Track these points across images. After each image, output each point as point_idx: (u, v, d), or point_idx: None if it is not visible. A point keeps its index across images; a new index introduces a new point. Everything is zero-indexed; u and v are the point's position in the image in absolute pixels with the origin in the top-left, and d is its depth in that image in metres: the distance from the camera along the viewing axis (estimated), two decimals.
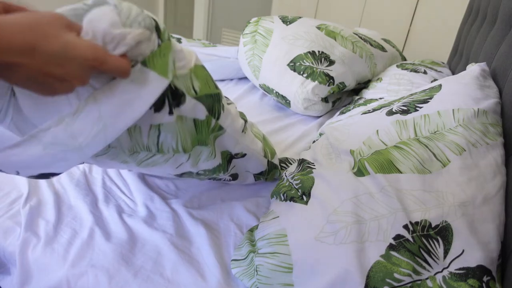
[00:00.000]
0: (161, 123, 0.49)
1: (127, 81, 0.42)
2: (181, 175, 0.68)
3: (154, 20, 0.45)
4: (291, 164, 0.87)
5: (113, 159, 0.52)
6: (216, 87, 0.61)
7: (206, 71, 0.59)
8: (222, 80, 1.49)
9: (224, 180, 0.75)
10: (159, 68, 0.44)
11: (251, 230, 0.66)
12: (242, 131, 0.68)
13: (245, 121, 0.72)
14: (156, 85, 0.44)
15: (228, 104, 0.67)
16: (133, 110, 0.43)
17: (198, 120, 0.56)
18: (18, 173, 0.43)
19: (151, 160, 0.55)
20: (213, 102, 0.58)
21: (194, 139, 0.57)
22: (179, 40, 1.58)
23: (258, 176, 0.78)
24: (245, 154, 0.71)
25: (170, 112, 0.49)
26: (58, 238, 0.64)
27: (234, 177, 0.74)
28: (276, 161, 0.81)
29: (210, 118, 0.58)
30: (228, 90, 1.39)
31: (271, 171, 0.79)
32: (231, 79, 1.50)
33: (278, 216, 0.62)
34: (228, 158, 0.69)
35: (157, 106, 0.47)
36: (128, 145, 0.50)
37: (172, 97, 0.49)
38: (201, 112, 0.56)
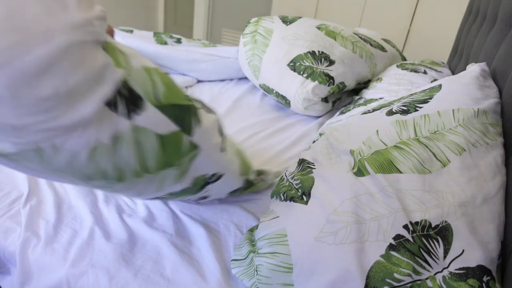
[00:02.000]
0: (120, 135, 0.42)
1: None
2: (145, 199, 0.62)
3: None
4: (267, 176, 0.83)
5: (63, 178, 0.45)
6: (189, 99, 0.52)
7: (172, 80, 0.51)
8: (222, 80, 1.49)
9: (193, 200, 0.72)
10: (111, 52, 0.39)
11: (251, 230, 0.66)
12: (221, 150, 0.61)
13: (223, 136, 0.63)
14: (111, 72, 0.39)
15: (207, 114, 0.58)
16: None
17: (163, 136, 0.47)
18: None
19: (109, 189, 0.49)
20: (183, 114, 0.50)
21: (160, 160, 0.48)
22: (179, 40, 1.58)
23: (233, 193, 0.74)
24: (222, 175, 0.63)
25: (128, 116, 0.42)
26: (58, 238, 0.64)
27: (205, 197, 0.69)
28: (252, 176, 0.76)
29: (180, 134, 0.49)
30: (228, 90, 1.39)
31: (247, 188, 0.76)
32: (231, 79, 1.50)
33: (278, 216, 0.62)
34: (203, 183, 0.61)
35: (110, 102, 0.40)
36: (86, 170, 0.42)
37: (126, 100, 0.42)
38: (165, 125, 0.47)
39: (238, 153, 0.72)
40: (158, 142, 0.47)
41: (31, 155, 0.39)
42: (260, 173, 0.82)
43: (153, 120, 0.45)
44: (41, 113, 0.35)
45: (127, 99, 0.42)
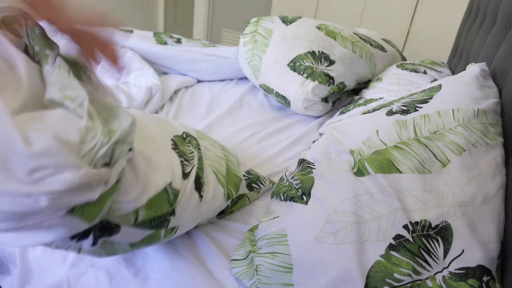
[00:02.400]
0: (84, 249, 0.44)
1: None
2: None
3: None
4: (263, 185, 0.81)
5: None
6: (172, 202, 0.53)
7: (165, 193, 0.51)
8: (222, 80, 1.49)
9: None
10: (86, 216, 0.37)
11: (251, 230, 0.67)
12: (200, 200, 0.60)
13: (201, 168, 0.62)
14: (74, 227, 0.37)
15: (185, 182, 0.57)
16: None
17: (137, 241, 0.50)
18: None
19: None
20: (162, 220, 0.51)
21: (136, 248, 0.52)
22: (179, 40, 1.58)
23: (221, 215, 0.72)
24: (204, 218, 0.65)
25: (93, 244, 0.43)
26: None
27: None
28: (243, 189, 0.74)
29: (158, 233, 0.52)
30: (228, 90, 1.39)
31: (236, 203, 0.74)
32: (231, 79, 1.50)
33: (278, 216, 0.62)
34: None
35: (79, 236, 0.41)
36: None
37: (101, 229, 0.43)
38: (141, 234, 0.49)
39: (227, 171, 0.70)
40: (130, 246, 0.50)
41: None
42: (254, 180, 0.79)
43: (128, 235, 0.47)
44: None
45: (102, 228, 0.43)
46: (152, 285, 0.58)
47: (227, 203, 0.70)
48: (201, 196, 0.60)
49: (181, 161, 0.58)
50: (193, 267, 0.61)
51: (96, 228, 0.42)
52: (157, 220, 0.50)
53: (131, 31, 1.55)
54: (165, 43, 1.52)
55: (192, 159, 0.62)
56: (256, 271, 0.56)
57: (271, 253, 0.56)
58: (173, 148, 0.59)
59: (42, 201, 0.32)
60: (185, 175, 0.58)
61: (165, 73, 1.45)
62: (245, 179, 0.77)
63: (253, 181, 0.79)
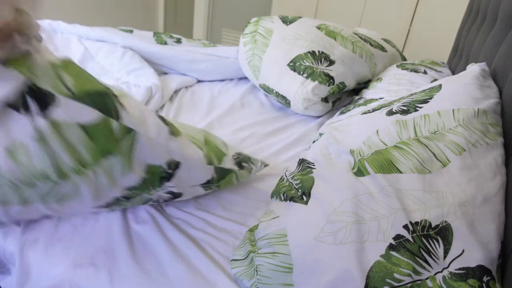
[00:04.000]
0: (41, 134, 0.42)
1: None
2: (109, 206, 0.58)
3: None
4: (254, 165, 0.79)
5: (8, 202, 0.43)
6: (103, 85, 0.51)
7: (82, 69, 0.50)
8: (222, 80, 1.49)
9: (164, 200, 0.67)
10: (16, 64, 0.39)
11: (251, 230, 0.67)
12: (171, 133, 0.58)
13: (168, 123, 0.60)
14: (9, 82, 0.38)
15: (131, 100, 0.56)
16: None
17: (88, 126, 0.47)
18: None
19: (57, 192, 0.47)
20: (103, 100, 0.48)
21: (94, 150, 0.47)
22: (179, 40, 1.58)
23: (207, 186, 0.68)
24: (178, 163, 0.59)
25: (42, 113, 0.42)
26: (58, 237, 0.64)
27: (177, 195, 0.66)
28: (228, 164, 0.71)
29: (107, 120, 0.48)
30: (228, 90, 1.39)
31: (223, 178, 0.70)
32: (231, 79, 1.50)
33: (278, 216, 0.62)
34: (161, 174, 0.58)
35: (18, 105, 0.40)
36: (17, 175, 0.42)
37: (36, 99, 0.42)
38: (87, 114, 0.46)
39: (204, 141, 0.67)
40: (84, 132, 0.46)
41: None
42: (243, 160, 0.76)
43: (71, 111, 0.45)
44: None
45: (36, 98, 0.42)
46: (152, 285, 0.58)
47: (211, 171, 0.66)
48: (172, 134, 0.58)
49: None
50: (193, 267, 0.61)
51: (32, 97, 0.41)
52: (96, 97, 0.47)
53: (131, 31, 1.55)
54: (165, 43, 1.52)
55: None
56: (256, 271, 0.56)
57: (271, 253, 0.56)
58: None
59: None
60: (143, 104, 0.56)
61: (165, 73, 1.45)
62: (235, 158, 0.74)
63: (243, 160, 0.77)
